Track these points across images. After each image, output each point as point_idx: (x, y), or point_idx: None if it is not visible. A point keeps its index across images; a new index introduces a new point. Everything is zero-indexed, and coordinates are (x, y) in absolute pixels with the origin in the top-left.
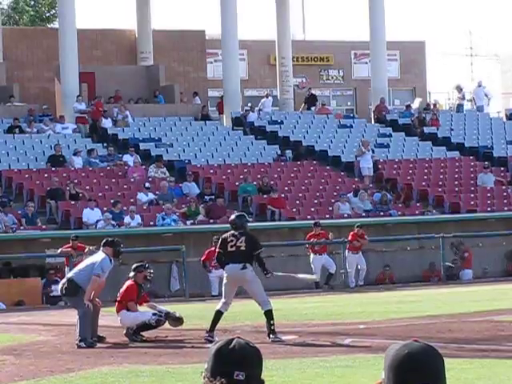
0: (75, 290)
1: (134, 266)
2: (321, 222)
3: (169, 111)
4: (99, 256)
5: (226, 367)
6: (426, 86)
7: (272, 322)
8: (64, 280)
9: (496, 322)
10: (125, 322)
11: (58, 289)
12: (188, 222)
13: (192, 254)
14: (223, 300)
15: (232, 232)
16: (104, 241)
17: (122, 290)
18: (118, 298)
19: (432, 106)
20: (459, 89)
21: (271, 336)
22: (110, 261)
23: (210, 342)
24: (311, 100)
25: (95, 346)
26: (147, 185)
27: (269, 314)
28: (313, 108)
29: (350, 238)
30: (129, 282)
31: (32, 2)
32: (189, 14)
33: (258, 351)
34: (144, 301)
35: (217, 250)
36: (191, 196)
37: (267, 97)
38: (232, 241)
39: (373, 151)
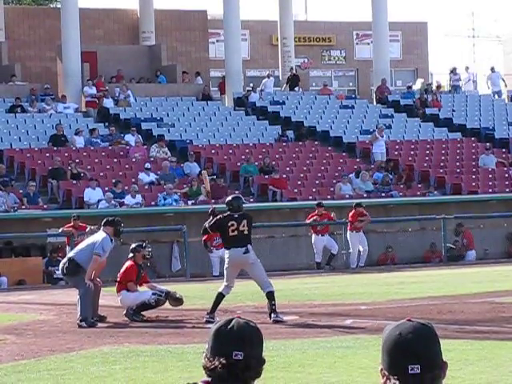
0: (76, 270)
1: (132, 246)
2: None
3: (170, 91)
4: (100, 235)
5: (225, 347)
6: (428, 67)
7: (273, 302)
8: (65, 259)
9: (497, 304)
10: (125, 302)
11: (59, 268)
12: (189, 202)
13: (193, 234)
14: (225, 283)
15: (230, 214)
16: (104, 220)
17: (121, 270)
18: (118, 279)
19: (435, 88)
20: (454, 72)
21: (272, 315)
22: (111, 240)
23: (211, 323)
24: (294, 80)
25: (96, 325)
26: (148, 165)
27: (270, 296)
28: (296, 88)
29: (350, 218)
30: (128, 263)
31: None
32: None
33: (257, 331)
34: (144, 281)
35: (207, 225)
36: (192, 176)
37: (268, 77)
38: (233, 225)
39: (388, 137)
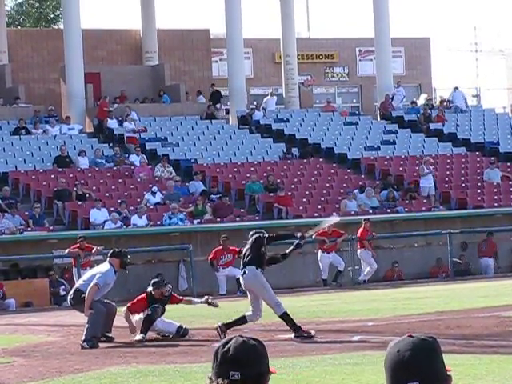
0: (81, 299)
1: (153, 281)
2: None
3: (174, 111)
4: (105, 267)
5: (223, 368)
6: (432, 82)
7: (289, 324)
8: (71, 290)
9: (504, 318)
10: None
11: (66, 296)
12: (195, 221)
13: (199, 253)
14: (251, 308)
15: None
16: (111, 251)
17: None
18: (129, 304)
19: (439, 103)
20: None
21: (293, 336)
22: (115, 272)
23: (219, 334)
24: (215, 96)
25: (97, 346)
26: (154, 188)
27: (285, 317)
28: (217, 105)
29: (359, 234)
30: (142, 295)
31: (37, 4)
32: (193, 13)
33: (256, 348)
34: (176, 301)
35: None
36: (196, 195)
37: (271, 95)
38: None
39: (434, 169)
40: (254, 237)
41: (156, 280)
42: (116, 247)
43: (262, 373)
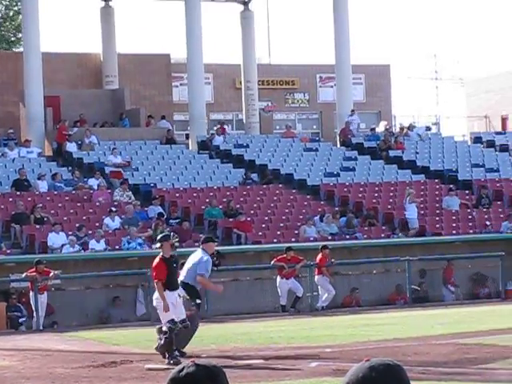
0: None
1: (159, 237)
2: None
3: (134, 135)
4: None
5: None
6: (391, 109)
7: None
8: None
9: (462, 345)
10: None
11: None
12: (153, 246)
13: None
14: None
15: None
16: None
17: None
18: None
19: (399, 130)
20: (411, 129)
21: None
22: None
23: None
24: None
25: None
26: (113, 208)
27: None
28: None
29: (318, 261)
30: (156, 260)
31: None
32: (154, 38)
33: (210, 373)
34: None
35: None
36: (155, 219)
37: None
38: None
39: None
40: None
41: (161, 235)
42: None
43: None
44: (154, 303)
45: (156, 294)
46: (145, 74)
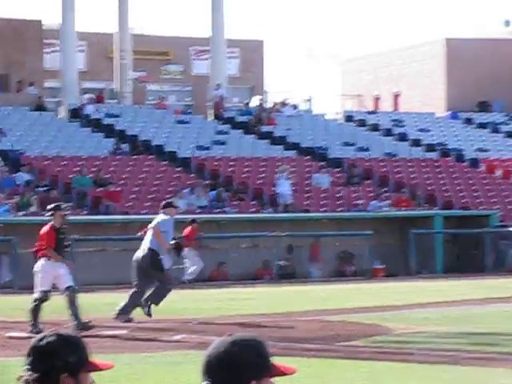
0: None
1: (49, 207)
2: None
3: (4, 101)
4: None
5: (34, 361)
6: (263, 84)
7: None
8: None
9: (327, 322)
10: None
11: None
12: (20, 213)
13: (24, 246)
14: None
15: None
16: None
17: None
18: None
19: (273, 106)
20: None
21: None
22: None
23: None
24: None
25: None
26: None
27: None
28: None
29: (186, 233)
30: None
31: None
32: (27, 3)
33: (69, 342)
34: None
35: None
36: (22, 186)
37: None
38: None
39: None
40: None
41: (53, 205)
42: None
43: (65, 365)
44: (35, 269)
45: (38, 263)
46: (16, 40)
